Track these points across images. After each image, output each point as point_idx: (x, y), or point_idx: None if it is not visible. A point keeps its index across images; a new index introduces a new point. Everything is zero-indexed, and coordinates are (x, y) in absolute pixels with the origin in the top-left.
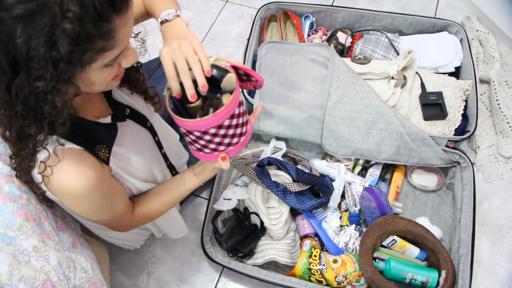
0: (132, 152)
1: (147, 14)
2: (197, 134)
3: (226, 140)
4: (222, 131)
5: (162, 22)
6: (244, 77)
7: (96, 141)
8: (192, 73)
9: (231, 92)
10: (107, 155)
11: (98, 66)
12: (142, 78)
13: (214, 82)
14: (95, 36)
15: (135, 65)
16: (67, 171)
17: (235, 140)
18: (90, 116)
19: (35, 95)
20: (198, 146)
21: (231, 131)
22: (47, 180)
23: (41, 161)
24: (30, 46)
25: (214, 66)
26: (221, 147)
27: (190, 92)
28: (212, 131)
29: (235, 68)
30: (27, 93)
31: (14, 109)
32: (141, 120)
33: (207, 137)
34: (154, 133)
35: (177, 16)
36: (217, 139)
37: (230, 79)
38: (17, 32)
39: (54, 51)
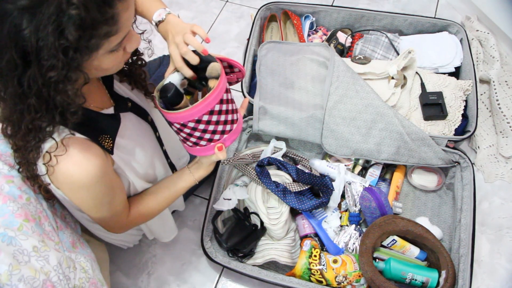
0: (135, 144)
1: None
2: (191, 125)
3: (220, 127)
4: (214, 117)
5: (157, 24)
6: (227, 69)
7: (100, 131)
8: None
9: (216, 78)
10: (111, 145)
11: (104, 52)
12: (144, 75)
13: (198, 73)
14: (99, 21)
15: (139, 62)
16: (73, 159)
17: (228, 127)
18: (93, 107)
19: (48, 86)
20: (194, 140)
21: (222, 117)
22: (51, 170)
23: (46, 151)
24: (39, 37)
25: (197, 54)
26: (216, 136)
27: (201, 48)
28: (205, 118)
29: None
30: (41, 84)
31: (26, 103)
32: (143, 113)
33: (202, 126)
34: (155, 129)
35: (168, 13)
36: (211, 127)
37: (214, 66)
38: (23, 23)
39: (63, 39)
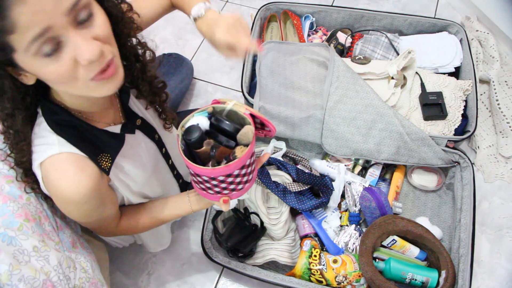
0: (135, 163)
1: (171, 7)
2: (205, 178)
3: (232, 186)
4: (229, 179)
5: (195, 19)
6: (258, 125)
7: (101, 149)
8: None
9: (245, 145)
10: (109, 164)
11: (26, 55)
12: (166, 97)
13: (227, 131)
14: None
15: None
16: (66, 176)
17: (240, 186)
18: (101, 123)
19: None
20: (203, 187)
21: (238, 179)
22: (48, 180)
23: (43, 159)
24: None
25: (231, 112)
26: (225, 191)
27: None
28: (221, 178)
29: (252, 116)
30: None
31: None
32: (150, 132)
33: (214, 182)
34: (161, 145)
35: (208, 8)
36: (223, 185)
37: (247, 133)
38: None
39: None
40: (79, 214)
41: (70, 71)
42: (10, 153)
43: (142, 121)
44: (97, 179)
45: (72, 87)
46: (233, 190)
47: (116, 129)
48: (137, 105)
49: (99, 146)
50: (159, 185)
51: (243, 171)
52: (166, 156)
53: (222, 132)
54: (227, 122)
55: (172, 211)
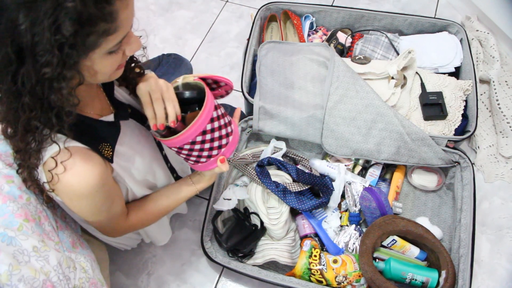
0: (133, 151)
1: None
2: (187, 147)
3: (216, 143)
4: (208, 136)
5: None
6: (214, 85)
7: (100, 139)
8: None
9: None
10: (111, 153)
11: (102, 52)
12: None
13: (187, 100)
14: (97, 17)
15: (137, 70)
16: (73, 170)
17: (224, 141)
18: (93, 115)
19: (42, 83)
20: (194, 159)
21: (216, 134)
22: (56, 178)
23: (51, 157)
24: (35, 32)
25: (184, 85)
26: (214, 152)
27: (160, 122)
28: (199, 139)
29: (203, 80)
30: (34, 81)
31: (20, 101)
32: (142, 119)
33: (197, 146)
34: None
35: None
36: (207, 145)
37: (198, 85)
38: (20, 18)
39: (59, 34)
40: (90, 210)
41: (119, 63)
42: (22, 161)
43: (131, 109)
44: (102, 168)
45: (106, 76)
46: (219, 147)
47: (110, 118)
48: (122, 95)
49: (98, 136)
50: (161, 170)
51: (216, 124)
52: (160, 146)
53: (186, 103)
54: (185, 92)
55: (178, 195)
